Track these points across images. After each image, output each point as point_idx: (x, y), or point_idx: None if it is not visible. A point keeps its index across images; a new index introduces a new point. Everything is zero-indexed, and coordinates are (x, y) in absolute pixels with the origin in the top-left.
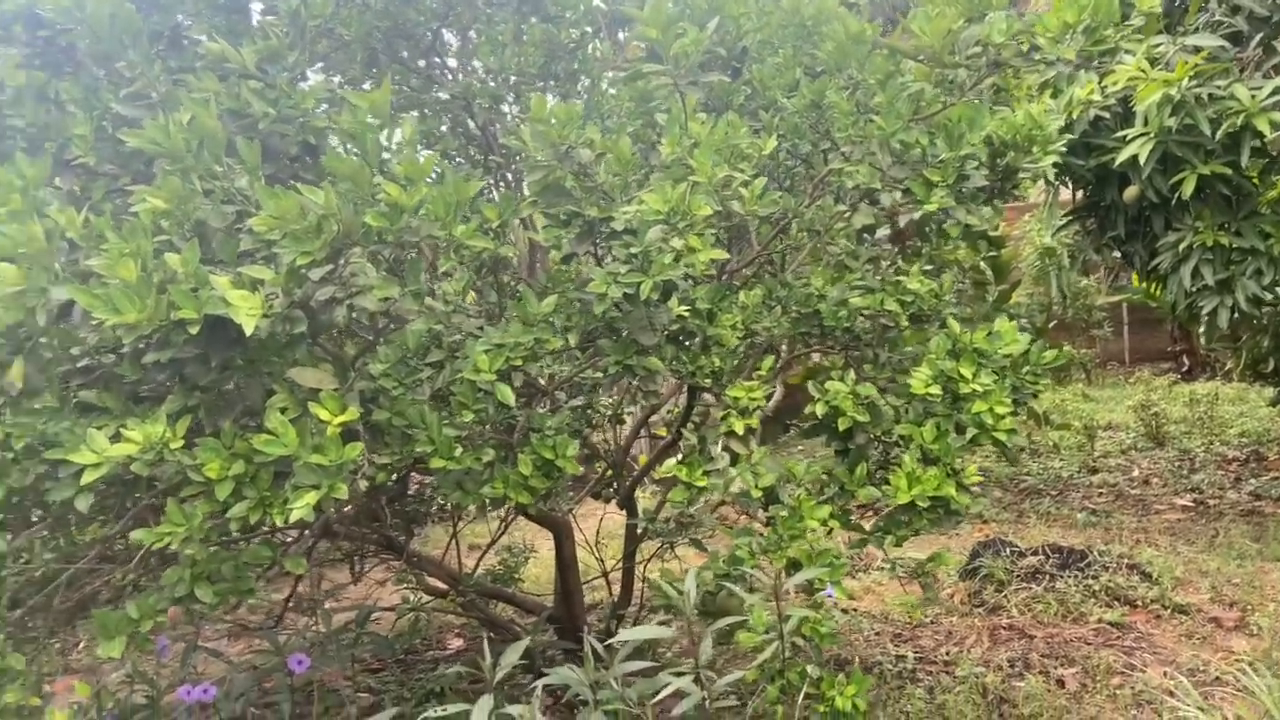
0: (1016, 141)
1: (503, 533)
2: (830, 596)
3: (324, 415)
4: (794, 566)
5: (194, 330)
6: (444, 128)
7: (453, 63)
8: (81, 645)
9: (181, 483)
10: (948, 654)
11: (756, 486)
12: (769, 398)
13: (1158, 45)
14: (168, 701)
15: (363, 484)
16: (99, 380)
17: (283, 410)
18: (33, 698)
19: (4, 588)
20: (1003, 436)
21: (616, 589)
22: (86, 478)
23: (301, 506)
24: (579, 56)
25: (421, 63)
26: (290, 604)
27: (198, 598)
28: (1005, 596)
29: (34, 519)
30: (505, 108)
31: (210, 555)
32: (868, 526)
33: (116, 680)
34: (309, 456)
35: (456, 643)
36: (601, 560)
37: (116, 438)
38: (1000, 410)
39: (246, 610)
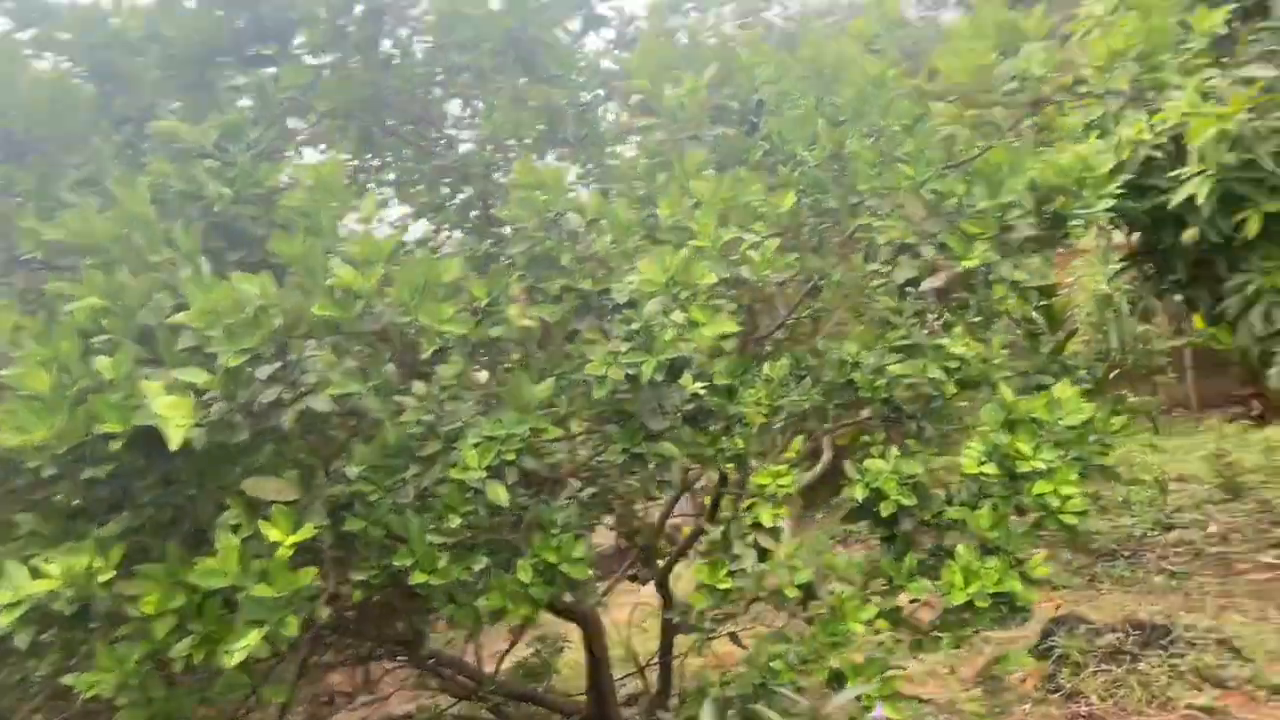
0: (1065, 185)
1: (521, 634)
2: (879, 718)
3: (274, 535)
4: (837, 679)
5: (116, 446)
6: (452, 203)
7: (452, 131)
8: None
9: (121, 617)
10: None
11: (792, 584)
12: (809, 469)
13: (1209, 79)
14: None
15: (323, 613)
16: (37, 503)
17: (235, 528)
18: None
19: None
20: (1071, 520)
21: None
22: (4, 618)
23: (240, 649)
24: (589, 121)
25: (414, 132)
26: None
27: None
28: (1083, 680)
29: None
30: (500, 177)
31: (167, 694)
32: (924, 619)
33: None
34: (253, 588)
35: None
36: (636, 656)
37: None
38: (1066, 490)
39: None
